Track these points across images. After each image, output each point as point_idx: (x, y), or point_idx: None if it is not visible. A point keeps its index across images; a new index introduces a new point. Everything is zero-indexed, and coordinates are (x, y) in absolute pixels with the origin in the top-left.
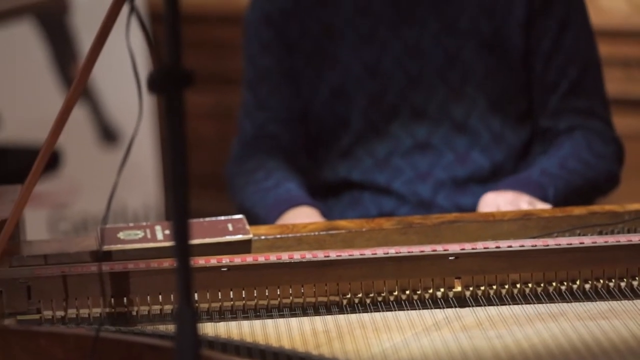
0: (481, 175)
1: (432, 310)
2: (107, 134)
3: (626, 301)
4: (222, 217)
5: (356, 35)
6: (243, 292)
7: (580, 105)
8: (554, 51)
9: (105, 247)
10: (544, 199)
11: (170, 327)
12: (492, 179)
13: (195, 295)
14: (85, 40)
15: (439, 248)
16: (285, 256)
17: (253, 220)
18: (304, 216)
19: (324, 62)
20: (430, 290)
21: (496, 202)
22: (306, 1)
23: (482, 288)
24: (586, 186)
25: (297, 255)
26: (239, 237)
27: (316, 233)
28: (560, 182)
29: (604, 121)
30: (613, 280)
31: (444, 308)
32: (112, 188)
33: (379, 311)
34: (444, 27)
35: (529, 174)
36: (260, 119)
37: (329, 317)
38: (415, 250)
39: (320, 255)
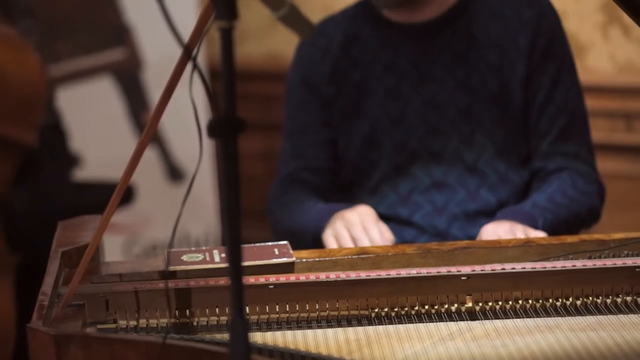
0: (489, 210)
1: (447, 322)
2: (173, 172)
3: (611, 315)
4: (270, 243)
5: (384, 91)
6: (287, 306)
7: (567, 149)
8: (546, 103)
9: (171, 268)
10: (534, 227)
11: (225, 336)
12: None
13: (247, 308)
14: (155, 93)
15: (453, 270)
16: (322, 276)
17: (299, 244)
18: (362, 211)
19: (357, 115)
20: (446, 305)
21: (496, 231)
22: (342, 64)
23: (490, 304)
24: (571, 218)
25: (332, 275)
26: (284, 259)
27: (349, 257)
28: (548, 214)
29: (588, 164)
30: (600, 298)
31: (457, 321)
32: (177, 218)
33: (402, 323)
34: (458, 84)
35: (521, 206)
36: (295, 165)
37: (359, 328)
38: (433, 271)
39: (352, 275)
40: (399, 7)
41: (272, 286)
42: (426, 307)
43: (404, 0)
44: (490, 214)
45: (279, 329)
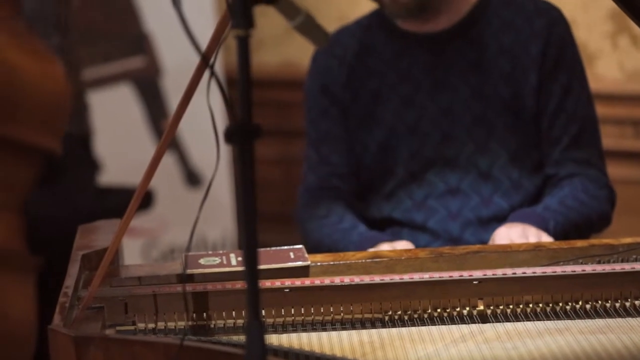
0: (502, 216)
1: (459, 325)
2: (191, 177)
3: (619, 318)
4: (285, 247)
5: (399, 99)
6: (302, 309)
7: (579, 156)
8: (557, 111)
9: (189, 271)
10: (545, 230)
11: (241, 338)
12: None
13: (263, 311)
14: (173, 99)
15: (465, 274)
16: (337, 280)
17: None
18: (399, 246)
19: (373, 123)
20: (458, 309)
21: (509, 234)
22: (358, 73)
23: (501, 307)
24: (581, 222)
25: (347, 279)
26: (299, 263)
27: (363, 260)
28: (559, 216)
29: (599, 170)
30: (609, 301)
31: (469, 323)
32: (194, 222)
33: (415, 326)
34: (472, 93)
35: (533, 208)
36: (323, 173)
37: (373, 331)
38: (445, 275)
39: (366, 279)
40: (410, 18)
41: (287, 290)
42: (438, 310)
43: (416, 11)
44: (503, 220)
45: (294, 331)
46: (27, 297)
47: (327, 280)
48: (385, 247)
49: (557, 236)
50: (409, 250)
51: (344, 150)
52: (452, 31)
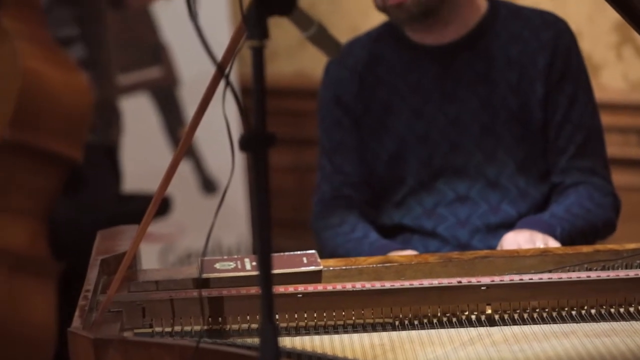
0: (509, 223)
1: (468, 328)
2: (207, 184)
3: (624, 322)
4: (298, 252)
5: (409, 110)
6: (314, 313)
7: (584, 165)
8: (564, 122)
9: (205, 275)
10: (552, 236)
11: (255, 340)
12: None
13: (276, 315)
14: (190, 108)
15: (473, 280)
16: (349, 285)
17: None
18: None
19: (384, 133)
20: (466, 313)
21: (516, 240)
22: (369, 84)
23: (508, 311)
24: (587, 228)
25: (358, 285)
26: (312, 268)
27: (374, 265)
28: (565, 223)
29: (604, 178)
30: (613, 306)
31: (477, 327)
32: (210, 228)
33: (425, 329)
34: (480, 104)
35: (540, 216)
36: (336, 182)
37: (384, 334)
38: (454, 281)
39: (377, 284)
40: (414, 24)
41: (300, 295)
42: (447, 314)
43: (419, 17)
44: (510, 227)
45: (307, 333)
46: (48, 302)
47: (339, 286)
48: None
49: (563, 242)
50: (419, 255)
51: (356, 159)
52: (460, 43)
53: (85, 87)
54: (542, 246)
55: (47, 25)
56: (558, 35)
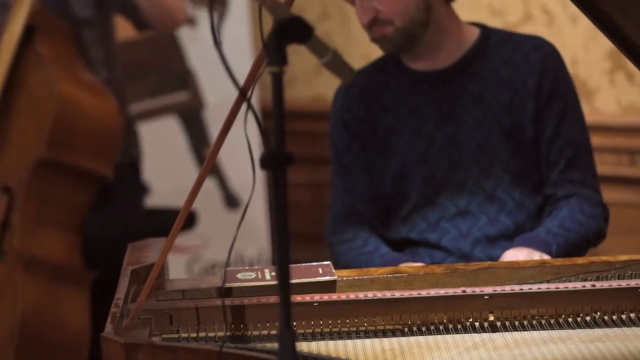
0: (508, 233)
1: (471, 334)
2: (230, 200)
3: (616, 328)
4: (314, 263)
5: (410, 131)
6: (329, 320)
7: (574, 177)
8: (554, 137)
9: (227, 285)
10: (548, 252)
11: (275, 346)
12: (516, 236)
13: (294, 322)
14: (214, 130)
15: (477, 289)
16: (361, 294)
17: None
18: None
19: (389, 154)
20: (470, 320)
21: (516, 256)
22: (374, 109)
23: (509, 318)
24: (580, 240)
25: (370, 294)
26: (327, 278)
27: (385, 276)
28: (560, 239)
29: (593, 189)
30: (607, 313)
31: (480, 333)
32: (233, 240)
33: (432, 335)
34: (475, 123)
35: (537, 232)
36: (348, 200)
37: (393, 339)
38: (459, 290)
39: (388, 293)
40: (401, 52)
41: (316, 304)
42: (453, 321)
43: (403, 45)
44: (508, 237)
45: (323, 339)
46: (83, 309)
47: (352, 295)
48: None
49: (558, 255)
50: (426, 266)
51: (365, 179)
52: (455, 68)
53: (114, 109)
54: None
55: (78, 51)
56: (546, 57)
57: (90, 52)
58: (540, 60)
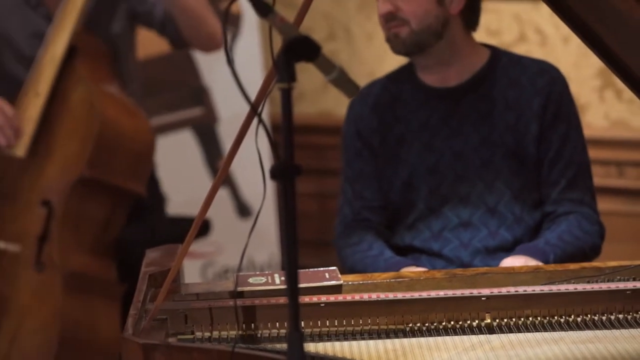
0: (506, 246)
1: (469, 335)
2: (242, 209)
3: (606, 330)
4: (321, 268)
5: (420, 144)
6: (335, 321)
7: (574, 196)
8: (556, 159)
9: (239, 288)
10: (546, 262)
11: (284, 346)
12: (513, 249)
13: (302, 323)
14: (227, 143)
15: (475, 292)
16: (365, 296)
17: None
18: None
19: (398, 164)
20: (468, 321)
21: (513, 264)
22: (386, 120)
23: (505, 320)
24: (576, 253)
25: (374, 296)
26: (333, 282)
27: (388, 280)
28: (558, 250)
29: (592, 208)
30: (597, 315)
31: (477, 334)
32: (244, 247)
33: (432, 336)
34: (481, 140)
35: (536, 243)
36: (357, 206)
37: (396, 340)
38: (458, 293)
39: (390, 296)
40: (410, 55)
41: (323, 305)
42: (452, 322)
43: (413, 49)
44: (507, 250)
45: (329, 340)
46: (114, 319)
47: (357, 297)
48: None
49: None
50: (427, 271)
51: (374, 186)
52: (465, 86)
53: (148, 129)
54: None
55: (116, 72)
56: (552, 81)
57: (122, 66)
58: (546, 84)
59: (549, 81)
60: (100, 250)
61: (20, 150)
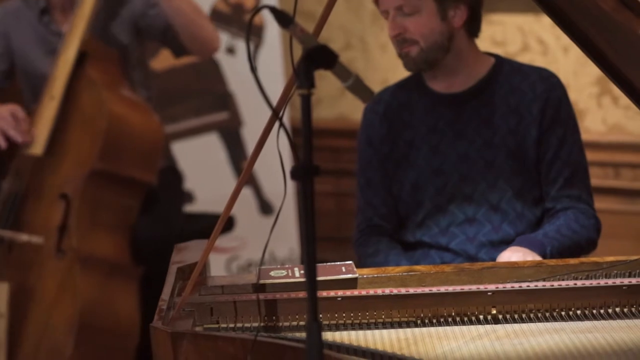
0: (509, 240)
1: (476, 325)
2: (264, 206)
3: (604, 321)
4: (338, 263)
5: (428, 147)
6: (351, 313)
7: (572, 193)
8: (554, 159)
9: (261, 281)
10: (543, 253)
11: (303, 335)
12: None
13: (320, 315)
14: (250, 145)
15: (481, 287)
16: (379, 290)
17: None
18: None
19: (407, 166)
20: (475, 313)
21: (510, 258)
22: (396, 126)
23: (509, 312)
24: (573, 246)
25: (387, 290)
26: (349, 276)
27: (400, 274)
28: (555, 242)
29: (588, 204)
30: (595, 308)
31: (484, 324)
32: (266, 242)
33: (441, 326)
34: (484, 143)
35: (535, 235)
36: (368, 214)
37: (407, 330)
38: (466, 288)
39: (402, 289)
40: (420, 70)
41: (340, 298)
42: (460, 314)
43: (423, 65)
44: (509, 243)
45: (345, 329)
46: (132, 299)
47: (371, 291)
48: None
49: (552, 257)
50: (437, 266)
51: (382, 194)
52: (469, 92)
53: (157, 124)
54: None
55: (124, 74)
56: (550, 88)
57: (132, 74)
58: (545, 90)
59: (547, 87)
60: (115, 236)
61: (38, 149)
